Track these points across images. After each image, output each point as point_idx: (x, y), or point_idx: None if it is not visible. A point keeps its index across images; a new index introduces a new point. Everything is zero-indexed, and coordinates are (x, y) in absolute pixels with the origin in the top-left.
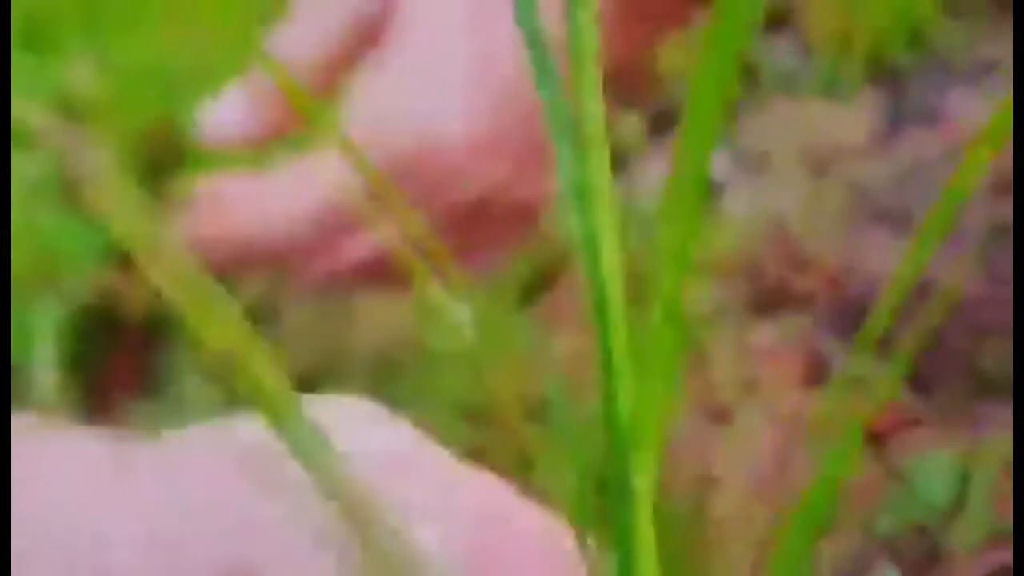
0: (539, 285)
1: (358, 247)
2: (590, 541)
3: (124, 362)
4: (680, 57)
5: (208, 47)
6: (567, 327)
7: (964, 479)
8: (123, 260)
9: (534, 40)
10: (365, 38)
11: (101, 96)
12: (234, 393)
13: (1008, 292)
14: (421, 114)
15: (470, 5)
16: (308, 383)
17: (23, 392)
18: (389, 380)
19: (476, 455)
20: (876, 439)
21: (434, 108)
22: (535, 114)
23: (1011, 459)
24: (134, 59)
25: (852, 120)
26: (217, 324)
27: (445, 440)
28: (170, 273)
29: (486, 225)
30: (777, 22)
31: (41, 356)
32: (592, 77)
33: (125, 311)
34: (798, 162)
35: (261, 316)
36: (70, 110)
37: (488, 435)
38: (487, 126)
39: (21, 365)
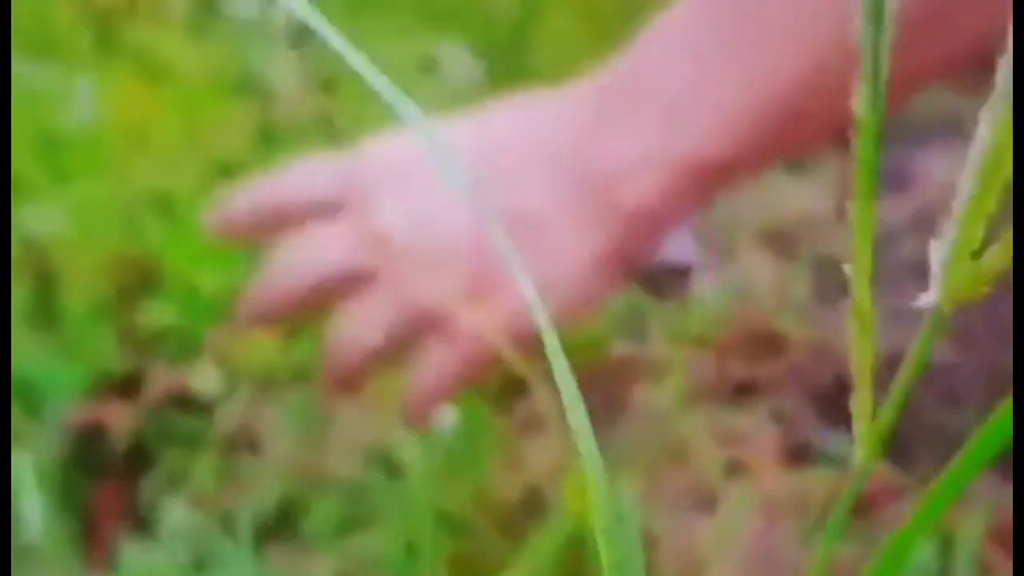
0: (513, 390)
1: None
2: None
3: (110, 491)
4: None
5: (170, 175)
6: (542, 432)
7: (948, 549)
8: (105, 391)
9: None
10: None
11: (66, 232)
12: (220, 517)
13: (977, 357)
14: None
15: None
16: (290, 504)
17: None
18: (368, 495)
19: (456, 564)
20: (859, 512)
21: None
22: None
23: (994, 529)
24: (96, 192)
25: (817, 191)
26: None
27: (426, 551)
28: None
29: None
30: None
31: (27, 493)
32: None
33: (109, 441)
34: (764, 239)
35: (242, 442)
36: (37, 250)
37: (467, 544)
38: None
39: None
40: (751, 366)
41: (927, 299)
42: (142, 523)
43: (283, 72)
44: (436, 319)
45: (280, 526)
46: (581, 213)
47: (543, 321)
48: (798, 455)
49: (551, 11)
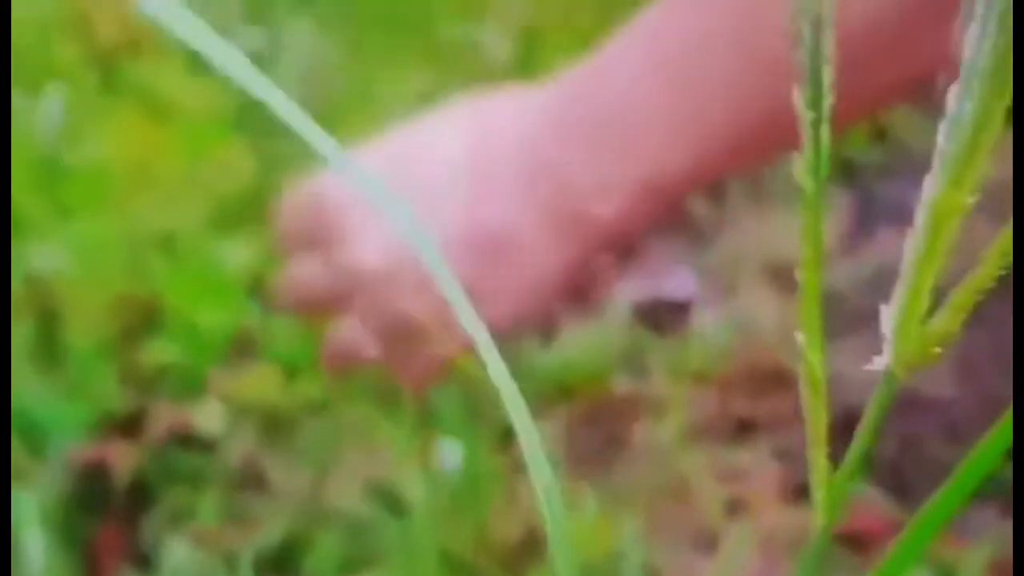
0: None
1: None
2: None
3: (113, 530)
4: None
5: (172, 213)
6: None
7: None
8: (108, 429)
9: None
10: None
11: (70, 270)
12: (223, 555)
13: (979, 391)
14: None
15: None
16: (293, 541)
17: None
18: (371, 534)
19: None
20: (860, 547)
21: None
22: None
23: (995, 564)
24: (99, 230)
25: None
26: None
27: None
28: None
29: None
30: None
31: (30, 531)
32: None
33: (112, 479)
34: (767, 274)
35: (245, 480)
36: (41, 288)
37: None
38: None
39: (13, 539)
40: (753, 403)
41: (880, 363)
42: (144, 561)
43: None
44: (406, 332)
45: (283, 564)
46: (547, 227)
47: (484, 338)
48: (800, 492)
49: (550, 56)
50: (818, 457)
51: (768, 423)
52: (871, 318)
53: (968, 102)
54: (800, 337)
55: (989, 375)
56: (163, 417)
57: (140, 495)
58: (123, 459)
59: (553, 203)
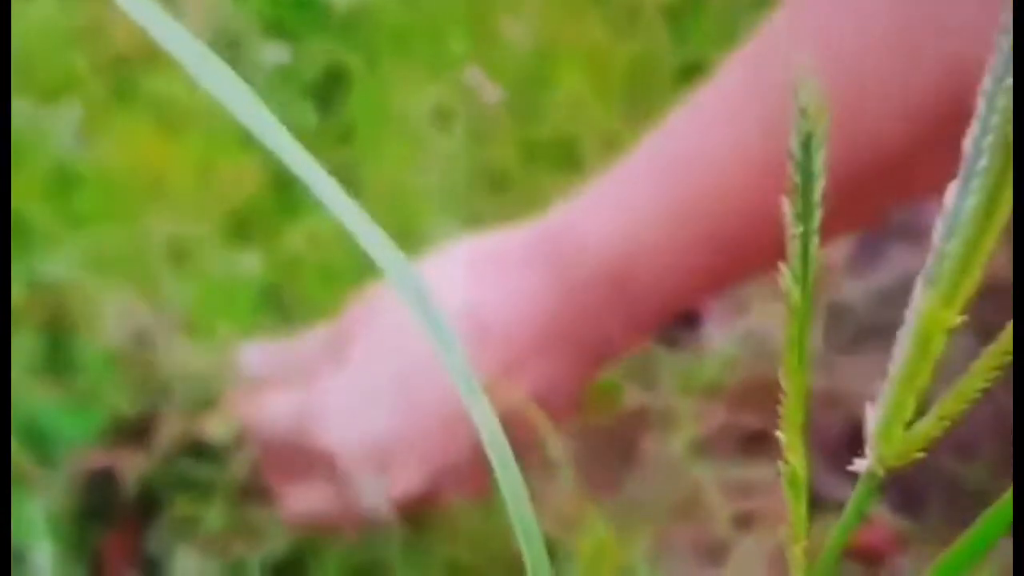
0: (524, 440)
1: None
2: None
3: (121, 540)
4: None
5: (185, 222)
6: (552, 481)
7: None
8: (115, 438)
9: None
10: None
11: (81, 278)
12: (231, 565)
13: (989, 406)
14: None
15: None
16: (301, 552)
17: None
18: (380, 544)
19: None
20: (868, 561)
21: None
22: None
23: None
24: (111, 239)
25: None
26: None
27: None
28: None
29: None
30: None
31: (38, 540)
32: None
33: (120, 487)
34: (777, 289)
35: (254, 490)
36: (52, 295)
37: None
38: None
39: (18, 550)
40: (762, 416)
41: (862, 464)
42: (152, 570)
43: (301, 121)
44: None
45: (291, 575)
46: (559, 359)
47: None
48: (810, 507)
49: (563, 72)
50: (797, 553)
51: (777, 437)
52: (879, 333)
53: (969, 199)
54: (781, 438)
55: (998, 391)
56: (173, 426)
57: (149, 503)
58: (132, 467)
59: (573, 349)
